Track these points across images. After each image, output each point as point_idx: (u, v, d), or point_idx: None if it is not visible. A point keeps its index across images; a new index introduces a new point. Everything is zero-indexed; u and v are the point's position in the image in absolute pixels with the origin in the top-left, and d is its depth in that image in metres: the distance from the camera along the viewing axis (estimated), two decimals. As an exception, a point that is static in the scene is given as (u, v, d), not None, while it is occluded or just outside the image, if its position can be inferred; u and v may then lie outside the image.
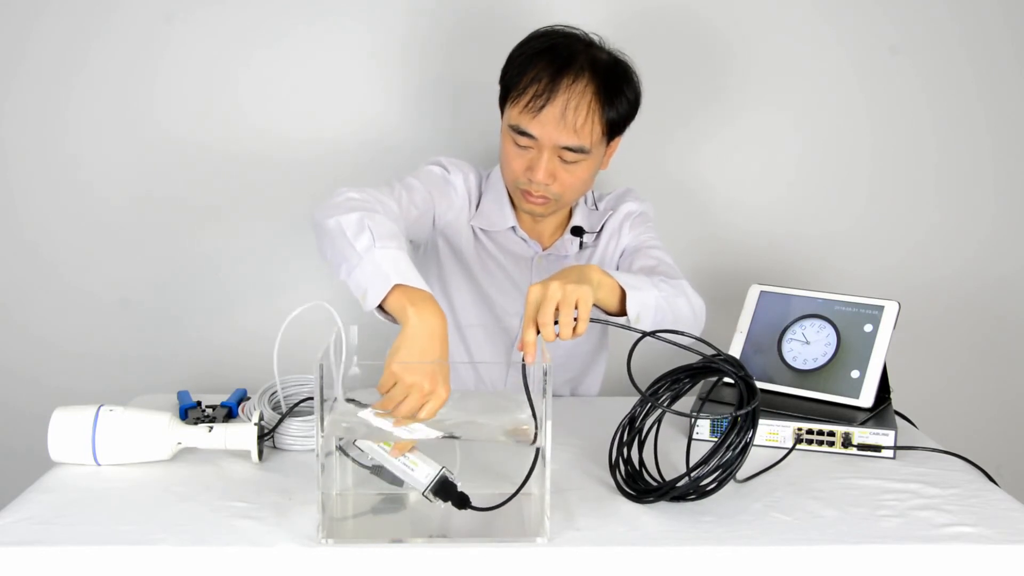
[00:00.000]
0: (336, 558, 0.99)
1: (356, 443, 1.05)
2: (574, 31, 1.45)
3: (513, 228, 1.56)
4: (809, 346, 1.42)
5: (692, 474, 1.07)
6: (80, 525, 1.03)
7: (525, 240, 1.57)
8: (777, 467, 1.23)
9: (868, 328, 1.39)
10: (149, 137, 1.81)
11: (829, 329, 1.42)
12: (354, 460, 1.07)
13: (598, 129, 1.42)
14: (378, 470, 1.06)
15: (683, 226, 1.88)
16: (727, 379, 1.13)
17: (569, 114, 1.38)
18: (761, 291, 1.50)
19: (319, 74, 1.81)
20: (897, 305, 1.39)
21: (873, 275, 1.90)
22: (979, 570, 1.01)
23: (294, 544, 0.99)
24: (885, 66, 1.85)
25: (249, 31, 1.79)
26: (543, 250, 1.58)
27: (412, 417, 1.03)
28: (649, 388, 1.17)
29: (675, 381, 1.17)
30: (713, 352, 1.12)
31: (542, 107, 1.39)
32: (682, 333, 1.10)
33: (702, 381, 1.22)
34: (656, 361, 1.21)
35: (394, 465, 1.03)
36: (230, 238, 1.85)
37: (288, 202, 1.84)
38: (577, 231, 1.57)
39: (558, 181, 1.44)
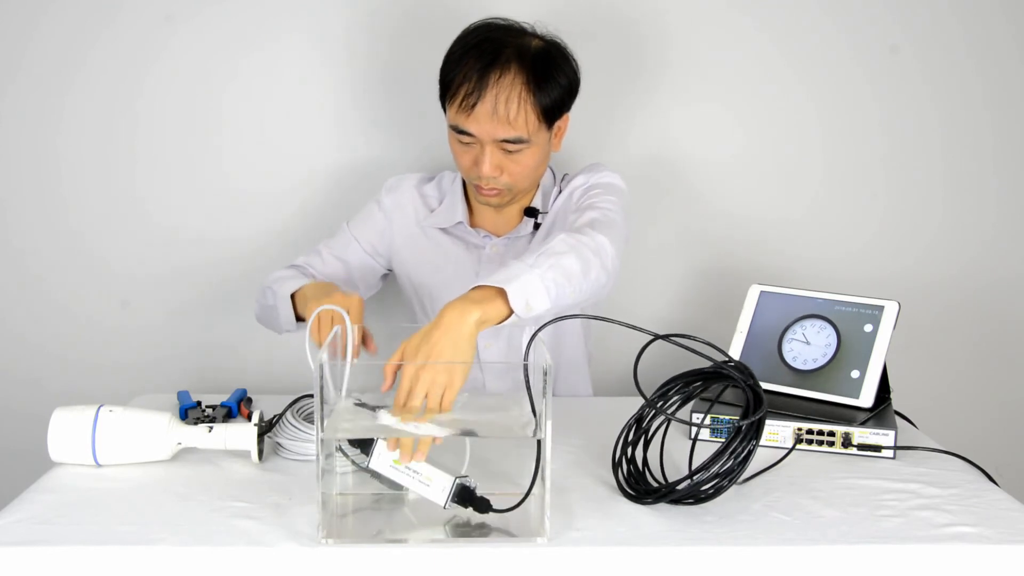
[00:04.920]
0: (336, 558, 0.99)
1: (369, 466, 1.05)
2: (507, 22, 1.48)
3: (460, 223, 1.60)
4: (809, 346, 1.42)
5: (693, 478, 1.07)
6: (80, 525, 1.03)
7: (476, 232, 1.61)
8: (777, 467, 1.23)
9: (868, 328, 1.39)
10: (146, 139, 1.81)
11: (829, 330, 1.42)
12: (353, 461, 1.07)
13: (533, 117, 1.44)
14: (377, 473, 1.06)
15: (683, 226, 1.88)
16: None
17: (500, 108, 1.41)
18: (761, 291, 1.50)
19: (304, 78, 1.81)
20: (897, 305, 1.39)
21: (873, 275, 1.89)
22: (979, 570, 1.01)
23: (294, 544, 0.99)
24: (886, 65, 1.85)
25: (236, 39, 1.79)
26: (506, 235, 1.60)
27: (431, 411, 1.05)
28: (659, 390, 1.16)
29: (686, 385, 1.17)
30: (724, 359, 1.12)
31: (474, 104, 1.42)
32: (692, 337, 1.09)
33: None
34: (656, 361, 1.21)
35: (410, 484, 1.04)
36: (229, 238, 1.85)
37: (287, 202, 1.84)
38: (531, 212, 1.59)
39: (506, 172, 1.48)
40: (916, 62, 1.85)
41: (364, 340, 1.28)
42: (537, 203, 1.60)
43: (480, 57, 1.42)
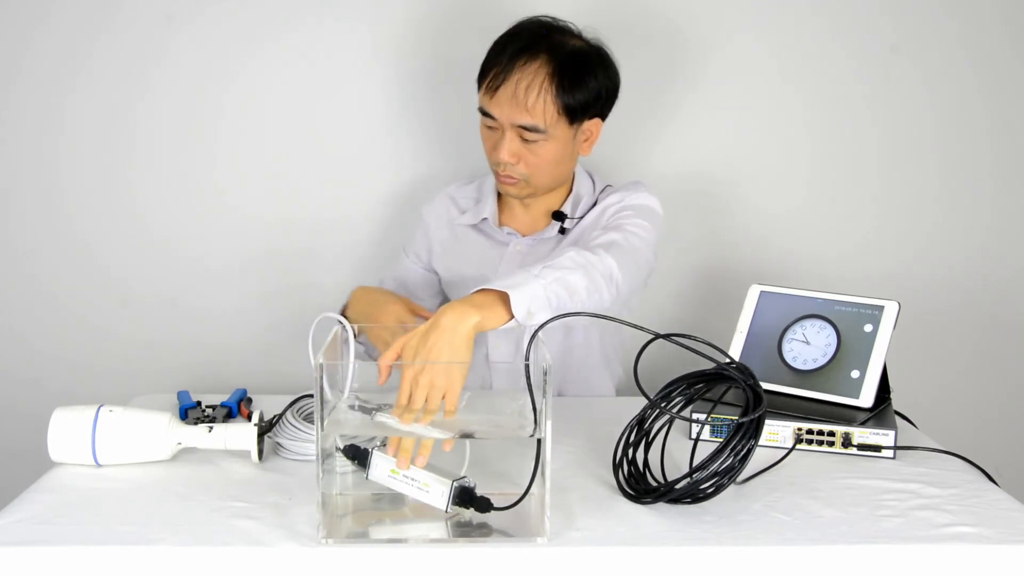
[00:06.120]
0: (336, 558, 0.99)
1: (368, 478, 1.05)
2: (552, 20, 1.51)
3: (486, 219, 1.63)
4: (809, 346, 1.42)
5: (692, 476, 1.07)
6: (80, 525, 1.03)
7: (501, 230, 1.63)
8: (777, 467, 1.23)
9: (868, 328, 1.39)
10: (147, 139, 1.81)
11: (829, 329, 1.42)
12: (352, 459, 1.07)
13: (552, 110, 1.46)
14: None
15: (683, 226, 1.88)
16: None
17: (520, 93, 1.44)
18: (761, 291, 1.50)
19: (307, 78, 1.81)
20: (897, 305, 1.39)
21: (873, 275, 1.89)
22: (979, 570, 1.01)
23: (294, 544, 0.99)
24: (886, 65, 1.85)
25: (246, 34, 1.79)
26: (531, 236, 1.61)
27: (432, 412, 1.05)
28: (661, 391, 1.16)
29: (689, 386, 1.17)
30: (725, 359, 1.12)
31: (497, 87, 1.45)
32: (693, 337, 1.09)
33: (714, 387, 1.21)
34: (656, 361, 1.21)
35: (409, 492, 1.04)
36: (229, 238, 1.85)
37: (287, 203, 1.84)
38: (558, 216, 1.59)
39: (523, 162, 1.50)
40: (915, 63, 1.85)
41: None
42: (567, 208, 1.60)
43: (514, 44, 1.46)
